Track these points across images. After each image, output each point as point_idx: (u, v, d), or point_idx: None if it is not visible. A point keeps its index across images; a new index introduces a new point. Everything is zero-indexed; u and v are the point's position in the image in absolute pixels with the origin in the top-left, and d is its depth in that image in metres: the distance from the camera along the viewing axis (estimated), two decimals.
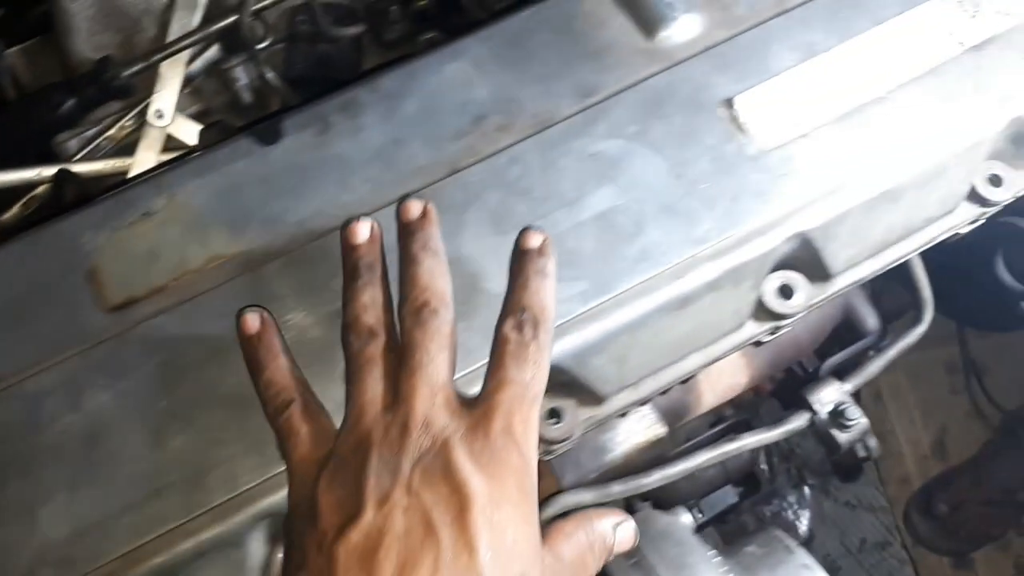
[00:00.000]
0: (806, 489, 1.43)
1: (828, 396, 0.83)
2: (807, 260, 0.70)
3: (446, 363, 0.50)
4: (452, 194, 0.67)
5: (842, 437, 0.80)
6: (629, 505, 0.87)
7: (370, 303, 0.52)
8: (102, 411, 0.61)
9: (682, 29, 0.72)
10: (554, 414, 0.66)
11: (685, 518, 0.81)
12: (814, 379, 0.89)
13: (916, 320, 0.88)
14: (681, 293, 0.64)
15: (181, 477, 0.59)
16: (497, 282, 0.64)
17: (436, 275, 0.53)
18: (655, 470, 0.76)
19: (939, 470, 1.77)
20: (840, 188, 0.67)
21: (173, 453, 0.59)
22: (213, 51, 0.95)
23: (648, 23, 0.72)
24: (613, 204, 0.66)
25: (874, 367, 0.85)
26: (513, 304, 0.52)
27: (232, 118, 0.96)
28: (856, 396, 0.84)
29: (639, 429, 0.85)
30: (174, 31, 0.93)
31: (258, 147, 0.70)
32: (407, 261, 0.53)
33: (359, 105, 0.71)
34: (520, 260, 0.54)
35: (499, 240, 0.65)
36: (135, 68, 0.90)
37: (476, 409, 0.49)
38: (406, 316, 0.51)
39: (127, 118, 0.93)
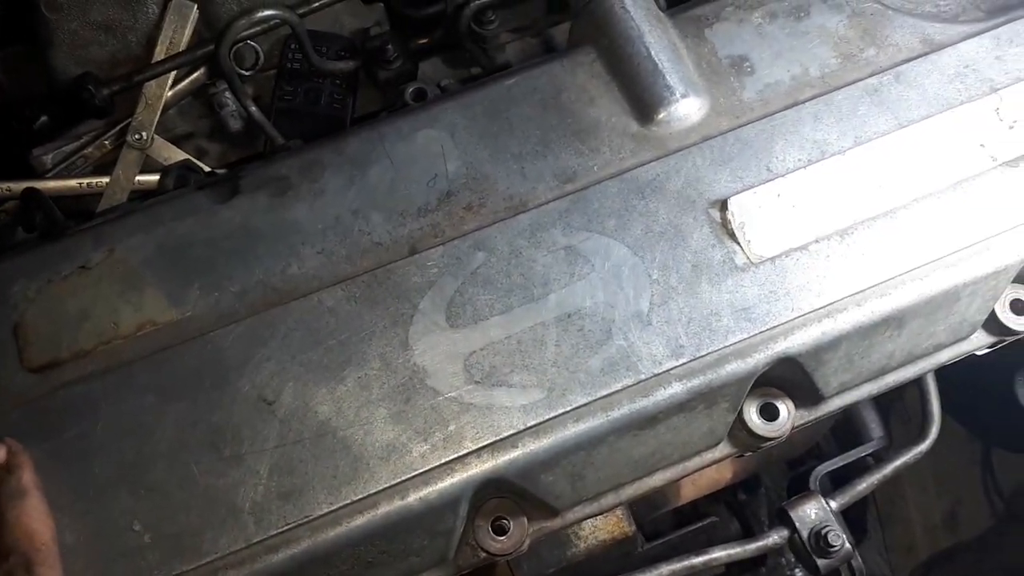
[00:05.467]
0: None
1: (811, 515, 0.76)
2: (794, 382, 0.63)
3: None
4: (407, 277, 0.62)
5: (822, 563, 0.74)
6: None
7: None
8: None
9: (680, 114, 0.65)
10: (501, 528, 0.60)
11: None
12: (803, 483, 0.82)
13: (920, 435, 0.81)
14: (647, 412, 0.58)
15: (86, 561, 0.55)
16: (440, 380, 0.59)
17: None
18: None
19: (948, 543, 1.67)
20: (835, 311, 0.60)
21: (77, 538, 0.55)
22: (201, 73, 0.91)
23: (643, 104, 0.66)
24: (581, 305, 0.60)
25: (866, 485, 0.78)
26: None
27: (216, 144, 0.92)
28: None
29: (605, 526, 0.79)
30: (161, 51, 0.89)
31: (209, 204, 0.65)
32: None
33: (323, 167, 0.66)
34: None
35: (450, 333, 0.60)
36: (116, 87, 0.86)
37: None
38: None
39: (106, 137, 0.90)
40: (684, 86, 0.66)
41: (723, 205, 0.62)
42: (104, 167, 0.89)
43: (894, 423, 0.96)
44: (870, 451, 0.86)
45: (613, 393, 0.58)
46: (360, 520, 0.56)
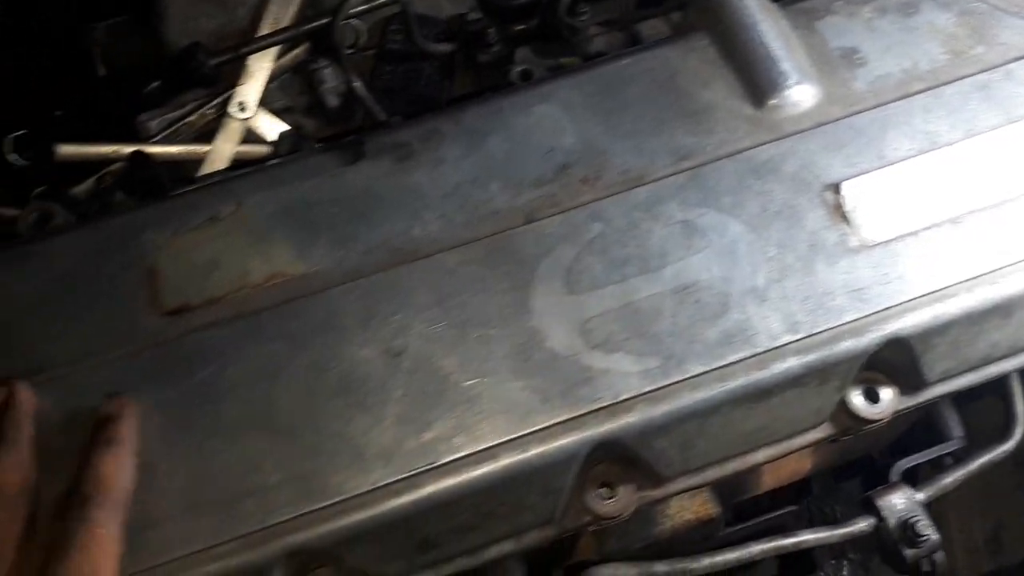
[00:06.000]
0: (845, 563, 1.37)
1: (898, 504, 0.76)
2: (899, 366, 0.64)
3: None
4: (525, 244, 0.64)
5: (909, 553, 0.74)
6: None
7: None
8: (142, 419, 0.59)
9: (794, 100, 0.67)
10: (608, 493, 0.62)
11: None
12: (882, 476, 0.83)
13: (1003, 436, 0.82)
14: (761, 385, 0.60)
15: (216, 498, 0.57)
16: (559, 342, 0.61)
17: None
18: (704, 556, 0.71)
19: (991, 567, 1.66)
20: (946, 296, 0.61)
21: (210, 472, 0.57)
22: (302, 50, 0.94)
23: (757, 89, 0.68)
24: (698, 278, 0.62)
25: (950, 479, 0.79)
26: (71, 483, 0.54)
27: (312, 120, 0.95)
28: None
29: (691, 506, 0.80)
30: (266, 25, 0.92)
31: (334, 166, 0.67)
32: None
33: (441, 136, 0.68)
34: (92, 428, 0.56)
35: (568, 299, 0.62)
36: (223, 58, 0.89)
37: None
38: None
39: (209, 106, 0.93)
40: (798, 73, 0.68)
41: (837, 189, 0.64)
42: (205, 136, 0.92)
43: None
44: (950, 450, 0.87)
45: (730, 364, 0.60)
46: (482, 470, 0.57)
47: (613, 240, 0.63)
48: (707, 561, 0.72)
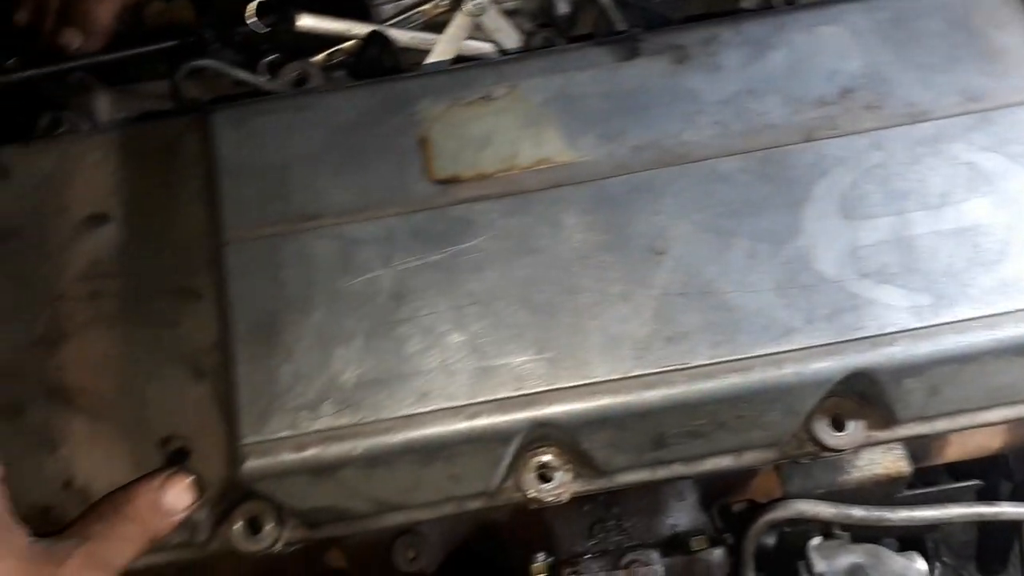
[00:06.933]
0: (938, 565, 1.33)
1: None
2: None
3: None
4: (801, 163, 0.63)
5: None
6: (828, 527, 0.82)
7: None
8: (410, 275, 0.61)
9: None
10: (839, 425, 0.62)
11: (921, 565, 0.75)
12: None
13: None
14: None
15: (472, 362, 0.59)
16: (828, 265, 0.60)
17: None
18: (902, 509, 0.70)
19: None
20: None
21: (469, 337, 0.59)
22: None
23: None
24: (979, 222, 0.60)
25: None
26: None
27: (536, 26, 0.95)
28: None
29: (883, 460, 0.78)
30: None
31: (609, 60, 0.67)
32: None
33: (721, 43, 0.67)
34: None
35: (841, 224, 0.61)
36: None
37: None
38: None
39: None
40: None
41: None
42: (434, 27, 0.93)
43: None
44: None
45: (1002, 314, 0.58)
46: (734, 379, 0.58)
47: (894, 172, 0.62)
48: (904, 514, 0.71)
